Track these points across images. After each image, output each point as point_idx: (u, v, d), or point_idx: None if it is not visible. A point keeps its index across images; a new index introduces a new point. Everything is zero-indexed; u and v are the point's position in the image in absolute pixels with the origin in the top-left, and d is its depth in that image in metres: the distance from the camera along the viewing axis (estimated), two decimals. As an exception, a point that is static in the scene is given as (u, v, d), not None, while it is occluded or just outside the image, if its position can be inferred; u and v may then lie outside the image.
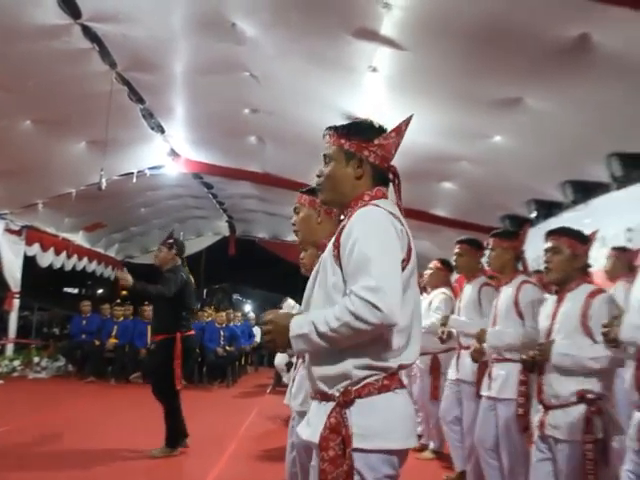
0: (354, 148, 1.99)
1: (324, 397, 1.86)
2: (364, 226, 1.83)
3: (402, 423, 1.83)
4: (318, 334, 1.75)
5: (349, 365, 1.80)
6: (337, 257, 1.86)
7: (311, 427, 1.89)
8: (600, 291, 3.03)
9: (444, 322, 4.76)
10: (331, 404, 1.82)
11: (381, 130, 2.03)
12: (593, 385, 2.87)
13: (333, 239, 1.92)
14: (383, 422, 1.79)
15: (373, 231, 1.82)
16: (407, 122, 2.04)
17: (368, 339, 1.76)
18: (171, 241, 5.59)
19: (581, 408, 2.85)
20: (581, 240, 3.15)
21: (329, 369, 1.84)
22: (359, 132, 2.01)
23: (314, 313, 1.83)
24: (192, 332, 5.51)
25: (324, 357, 1.85)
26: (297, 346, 1.81)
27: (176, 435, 5.25)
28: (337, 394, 1.81)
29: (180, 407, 5.31)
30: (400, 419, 1.83)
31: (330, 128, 2.07)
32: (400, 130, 2.02)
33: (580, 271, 3.14)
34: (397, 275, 1.79)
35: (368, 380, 1.80)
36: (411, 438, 1.86)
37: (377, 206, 1.90)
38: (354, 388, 1.80)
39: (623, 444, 2.78)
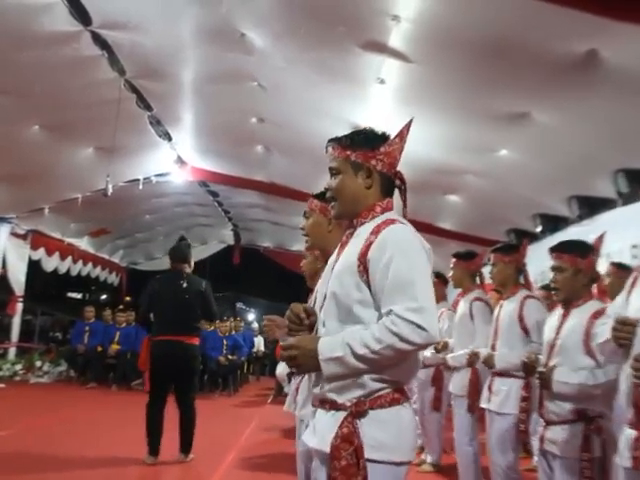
0: (361, 158, 1.95)
1: (333, 406, 1.83)
2: (399, 246, 1.82)
3: (409, 436, 1.85)
4: (355, 356, 1.73)
5: (365, 376, 1.78)
6: (363, 272, 1.83)
7: (318, 436, 1.86)
8: (605, 310, 2.94)
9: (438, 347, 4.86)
10: (342, 413, 1.80)
11: (384, 137, 2.00)
12: (593, 403, 2.83)
13: (356, 254, 1.86)
14: (393, 435, 1.80)
15: (409, 252, 1.83)
16: (408, 126, 2.02)
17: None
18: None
19: (580, 425, 2.82)
20: (581, 254, 3.08)
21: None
22: (363, 142, 1.97)
23: (345, 334, 1.79)
24: (160, 337, 5.26)
25: None
26: (329, 369, 1.76)
27: (148, 441, 5.07)
28: (348, 404, 1.80)
29: (148, 412, 5.12)
30: (407, 432, 1.84)
31: (332, 140, 2.03)
32: (402, 135, 2.00)
33: (587, 286, 3.09)
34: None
35: (380, 393, 1.80)
36: (414, 451, 1.89)
37: (403, 224, 1.90)
38: (367, 399, 1.79)
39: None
